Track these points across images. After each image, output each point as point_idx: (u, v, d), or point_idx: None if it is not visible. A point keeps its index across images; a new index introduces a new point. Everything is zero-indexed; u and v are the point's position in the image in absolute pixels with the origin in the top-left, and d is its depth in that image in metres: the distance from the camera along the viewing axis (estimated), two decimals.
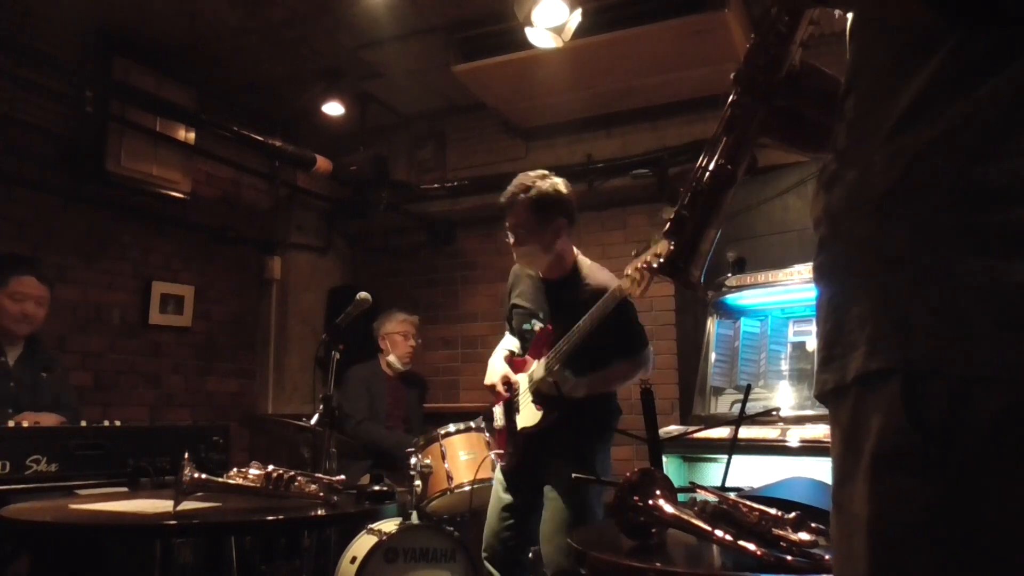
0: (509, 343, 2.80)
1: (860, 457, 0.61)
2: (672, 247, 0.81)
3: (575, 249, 2.65)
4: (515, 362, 2.70)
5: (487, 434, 3.15)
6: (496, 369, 2.69)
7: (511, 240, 2.58)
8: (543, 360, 2.53)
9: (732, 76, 0.83)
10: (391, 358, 4.22)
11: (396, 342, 4.20)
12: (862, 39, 0.71)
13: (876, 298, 0.61)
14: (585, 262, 2.63)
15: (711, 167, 0.81)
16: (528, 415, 2.58)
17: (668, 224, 0.81)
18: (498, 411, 2.75)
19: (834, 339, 0.66)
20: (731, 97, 0.83)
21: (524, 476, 2.62)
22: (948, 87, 0.58)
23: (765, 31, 0.82)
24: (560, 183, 2.57)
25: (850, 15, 0.73)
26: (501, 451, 2.69)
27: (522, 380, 2.63)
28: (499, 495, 2.68)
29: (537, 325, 2.64)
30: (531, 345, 2.65)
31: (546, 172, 2.60)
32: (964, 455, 0.54)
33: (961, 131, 0.57)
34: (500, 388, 2.63)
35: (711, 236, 0.81)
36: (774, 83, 0.82)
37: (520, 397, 2.62)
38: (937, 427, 0.55)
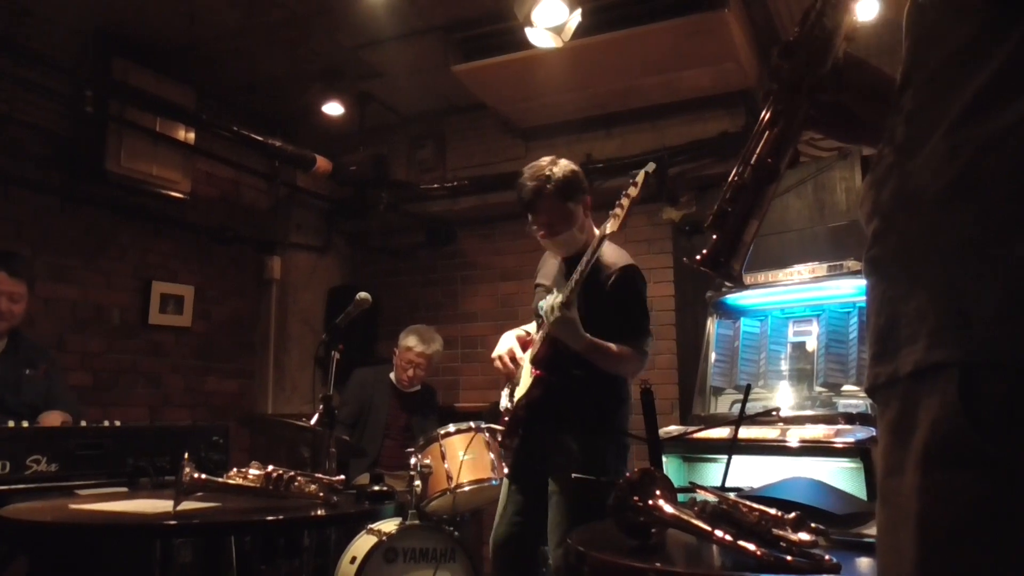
0: (529, 326, 2.72)
1: (908, 449, 0.60)
2: (714, 240, 0.79)
3: (594, 228, 2.55)
4: (526, 342, 2.62)
5: (486, 434, 3.14)
6: (503, 343, 2.62)
7: (541, 234, 2.51)
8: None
9: (771, 70, 0.81)
10: (392, 375, 4.16)
11: (397, 364, 4.09)
12: (921, 32, 0.69)
13: (937, 290, 0.60)
14: (605, 243, 2.47)
15: (753, 161, 0.80)
16: (524, 385, 2.48)
17: (710, 218, 0.80)
18: (504, 393, 2.66)
19: (888, 332, 0.64)
20: (773, 92, 0.81)
21: (528, 470, 2.54)
22: (1016, 77, 0.57)
23: (810, 24, 0.80)
24: (569, 163, 2.54)
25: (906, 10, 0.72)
26: (503, 428, 2.58)
27: (527, 358, 2.54)
28: (506, 494, 2.61)
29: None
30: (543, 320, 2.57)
31: (551, 157, 2.54)
32: (1022, 450, 0.53)
33: None
34: (505, 359, 2.54)
35: (753, 229, 0.79)
36: (819, 78, 0.80)
37: (522, 371, 2.53)
38: (994, 421, 0.54)
